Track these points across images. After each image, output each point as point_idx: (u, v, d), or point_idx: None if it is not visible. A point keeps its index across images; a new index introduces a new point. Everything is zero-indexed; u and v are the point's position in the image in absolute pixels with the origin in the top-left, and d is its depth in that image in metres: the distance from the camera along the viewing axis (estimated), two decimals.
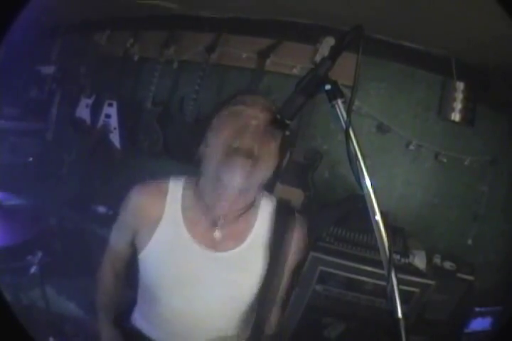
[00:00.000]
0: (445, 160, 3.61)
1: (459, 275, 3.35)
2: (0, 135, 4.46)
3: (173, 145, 4.02)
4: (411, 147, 3.61)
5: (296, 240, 1.77)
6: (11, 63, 4.50)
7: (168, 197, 1.74)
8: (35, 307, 3.69)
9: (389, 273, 1.29)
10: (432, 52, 3.58)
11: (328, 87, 1.42)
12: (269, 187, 3.44)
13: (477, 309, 3.29)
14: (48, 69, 4.89)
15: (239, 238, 1.72)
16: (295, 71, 3.65)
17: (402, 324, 1.24)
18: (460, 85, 3.56)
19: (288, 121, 1.49)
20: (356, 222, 3.26)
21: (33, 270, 3.37)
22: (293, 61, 3.67)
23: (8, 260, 3.36)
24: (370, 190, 1.34)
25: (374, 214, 1.32)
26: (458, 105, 3.57)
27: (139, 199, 1.76)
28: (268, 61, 3.73)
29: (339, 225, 3.27)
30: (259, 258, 1.72)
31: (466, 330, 3.29)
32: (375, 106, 3.68)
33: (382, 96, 3.71)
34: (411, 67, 3.69)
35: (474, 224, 3.68)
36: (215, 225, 1.70)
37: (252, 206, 1.77)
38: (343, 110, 1.39)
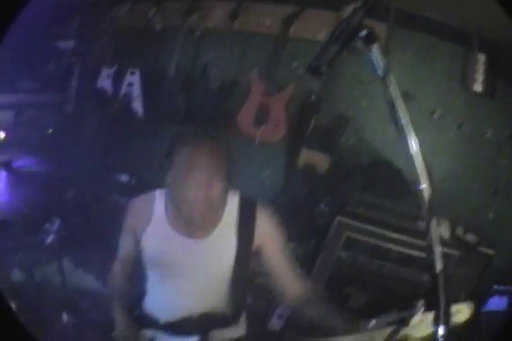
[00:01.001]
0: (468, 132, 3.59)
1: (480, 248, 3.35)
2: (19, 108, 4.47)
3: (196, 112, 4.02)
4: (435, 115, 3.60)
5: (259, 225, 2.12)
6: (29, 37, 4.49)
7: (157, 202, 2.19)
8: (49, 284, 3.72)
9: (428, 223, 1.29)
10: (453, 25, 3.55)
11: (363, 33, 1.40)
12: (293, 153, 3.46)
13: (495, 287, 3.30)
14: (68, 43, 4.88)
15: (211, 228, 2.11)
16: (319, 37, 3.64)
17: (441, 278, 1.24)
18: (482, 57, 3.51)
19: (323, 69, 1.47)
20: (383, 187, 3.26)
21: (49, 239, 3.38)
22: (317, 28, 3.66)
23: (25, 229, 3.38)
24: (413, 141, 1.33)
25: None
26: (479, 77, 3.52)
27: (135, 206, 2.25)
28: (292, 27, 3.73)
29: (366, 191, 3.27)
30: (230, 241, 2.10)
31: (484, 309, 3.29)
32: (400, 74, 3.62)
33: (407, 64, 3.69)
34: (434, 37, 3.68)
35: (495, 198, 3.67)
36: (190, 221, 2.06)
37: (219, 204, 2.08)
38: (379, 55, 1.39)
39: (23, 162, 3.62)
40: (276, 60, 3.75)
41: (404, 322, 1.40)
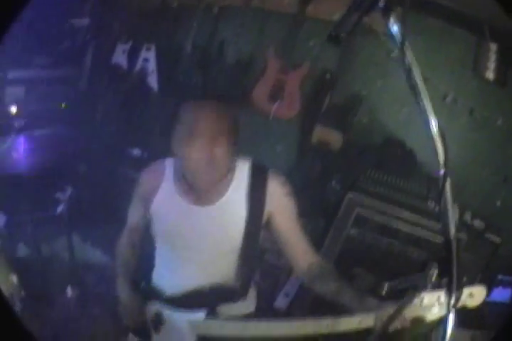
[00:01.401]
0: (479, 118, 3.60)
1: (487, 235, 3.35)
2: (32, 83, 4.49)
3: (212, 88, 4.06)
4: (447, 100, 3.61)
5: (270, 191, 2.02)
6: (44, 14, 4.48)
7: (166, 171, 2.12)
8: (56, 258, 3.77)
9: (443, 189, 1.30)
10: (466, 13, 3.52)
11: (382, 4, 1.42)
12: (307, 129, 3.44)
13: (500, 277, 3.29)
14: (83, 21, 4.89)
15: (219, 195, 2.02)
16: (335, 18, 3.60)
17: (454, 243, 1.25)
18: (493, 46, 3.52)
19: (342, 36, 1.49)
20: (395, 166, 3.27)
21: (60, 209, 3.39)
22: (333, 9, 3.60)
23: (37, 197, 3.39)
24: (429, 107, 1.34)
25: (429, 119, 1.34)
26: (491, 65, 3.54)
27: (146, 176, 2.19)
28: (309, 7, 3.74)
29: (377, 169, 3.29)
30: (240, 208, 2.02)
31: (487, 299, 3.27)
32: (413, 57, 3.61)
33: (420, 48, 3.63)
34: (447, 24, 3.68)
35: (504, 186, 3.67)
36: (195, 187, 2.01)
37: (228, 171, 2.01)
38: (397, 23, 1.41)
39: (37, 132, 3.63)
40: (292, 38, 3.79)
41: (416, 288, 1.42)
